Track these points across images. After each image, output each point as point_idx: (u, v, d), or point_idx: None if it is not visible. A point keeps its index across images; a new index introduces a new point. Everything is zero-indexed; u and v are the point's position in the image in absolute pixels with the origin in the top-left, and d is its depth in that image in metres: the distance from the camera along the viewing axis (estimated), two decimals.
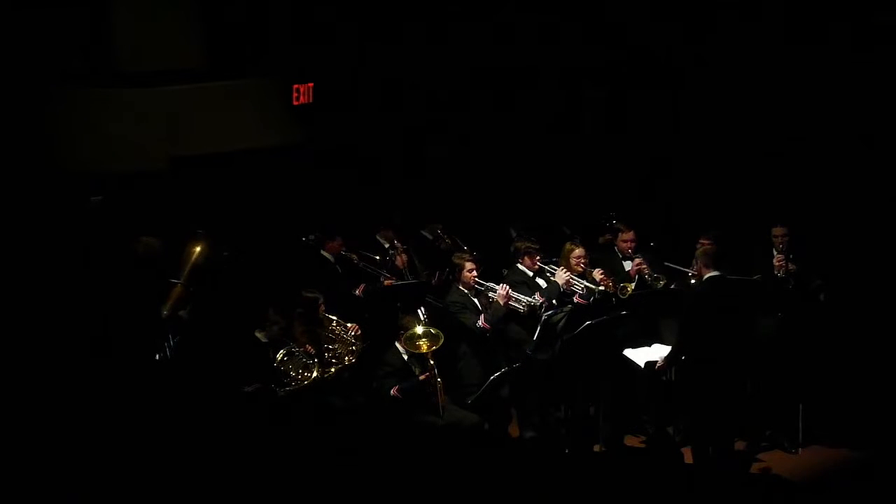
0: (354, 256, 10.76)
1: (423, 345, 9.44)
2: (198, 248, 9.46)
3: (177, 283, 9.30)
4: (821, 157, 11.55)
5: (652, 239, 10.74)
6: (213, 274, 9.49)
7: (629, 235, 10.49)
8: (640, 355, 9.43)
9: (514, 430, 10.13)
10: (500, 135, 12.67)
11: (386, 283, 10.61)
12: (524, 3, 12.42)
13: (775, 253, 10.43)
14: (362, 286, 10.58)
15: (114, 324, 9.07)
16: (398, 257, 10.93)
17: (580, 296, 10.03)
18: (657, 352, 9.39)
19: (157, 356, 9.10)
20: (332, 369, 9.56)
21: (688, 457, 9.28)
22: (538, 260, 10.16)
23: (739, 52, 11.92)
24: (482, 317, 9.78)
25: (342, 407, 9.50)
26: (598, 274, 10.09)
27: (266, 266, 10.35)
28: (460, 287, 9.95)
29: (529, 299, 9.87)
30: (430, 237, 11.65)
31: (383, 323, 10.01)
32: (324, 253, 10.63)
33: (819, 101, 11.55)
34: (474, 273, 9.93)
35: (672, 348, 9.15)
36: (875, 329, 10.04)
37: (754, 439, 9.89)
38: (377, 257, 10.87)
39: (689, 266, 9.91)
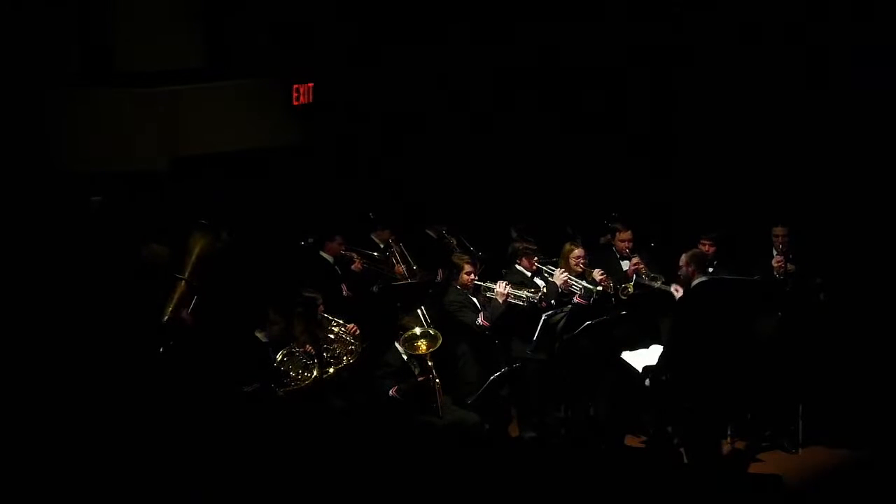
0: (355, 256, 10.76)
1: (422, 346, 9.46)
2: (200, 241, 9.42)
3: (181, 279, 9.28)
4: (821, 157, 11.54)
5: (651, 239, 10.74)
6: (216, 263, 9.45)
7: (627, 235, 10.50)
8: (639, 358, 9.42)
9: (514, 430, 10.13)
10: (502, 135, 12.67)
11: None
12: (529, 8, 12.41)
13: (775, 253, 10.43)
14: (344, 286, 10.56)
15: (114, 325, 9.07)
16: (397, 266, 10.95)
17: (580, 296, 10.04)
18: (656, 353, 9.37)
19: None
20: (332, 369, 9.56)
21: (686, 457, 9.27)
22: (536, 260, 10.17)
23: (739, 50, 11.91)
24: (481, 314, 9.79)
25: (342, 407, 9.51)
26: (597, 274, 10.08)
27: (266, 266, 10.34)
28: (458, 287, 9.96)
29: (529, 294, 9.88)
30: (434, 237, 11.65)
31: (383, 323, 10.02)
32: (323, 254, 10.62)
33: (819, 101, 11.54)
34: (472, 276, 9.94)
35: (658, 359, 9.15)
36: (875, 329, 10.02)
37: (754, 439, 9.88)
38: (375, 254, 10.88)
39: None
